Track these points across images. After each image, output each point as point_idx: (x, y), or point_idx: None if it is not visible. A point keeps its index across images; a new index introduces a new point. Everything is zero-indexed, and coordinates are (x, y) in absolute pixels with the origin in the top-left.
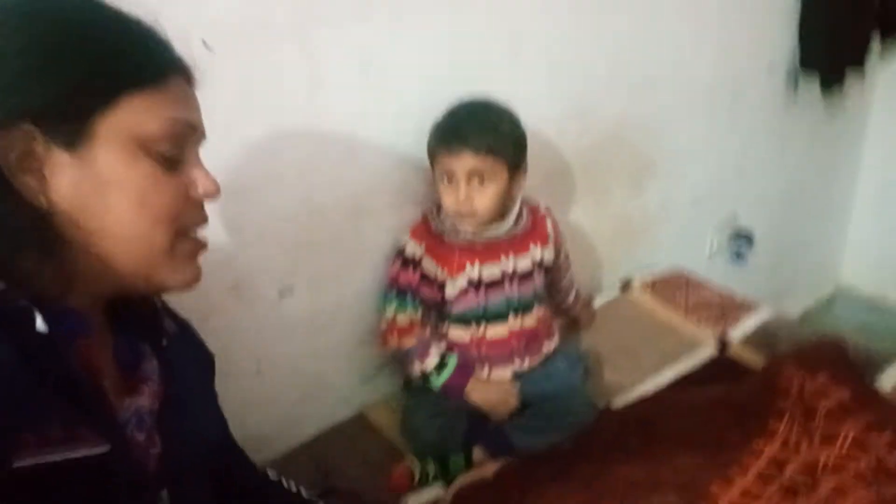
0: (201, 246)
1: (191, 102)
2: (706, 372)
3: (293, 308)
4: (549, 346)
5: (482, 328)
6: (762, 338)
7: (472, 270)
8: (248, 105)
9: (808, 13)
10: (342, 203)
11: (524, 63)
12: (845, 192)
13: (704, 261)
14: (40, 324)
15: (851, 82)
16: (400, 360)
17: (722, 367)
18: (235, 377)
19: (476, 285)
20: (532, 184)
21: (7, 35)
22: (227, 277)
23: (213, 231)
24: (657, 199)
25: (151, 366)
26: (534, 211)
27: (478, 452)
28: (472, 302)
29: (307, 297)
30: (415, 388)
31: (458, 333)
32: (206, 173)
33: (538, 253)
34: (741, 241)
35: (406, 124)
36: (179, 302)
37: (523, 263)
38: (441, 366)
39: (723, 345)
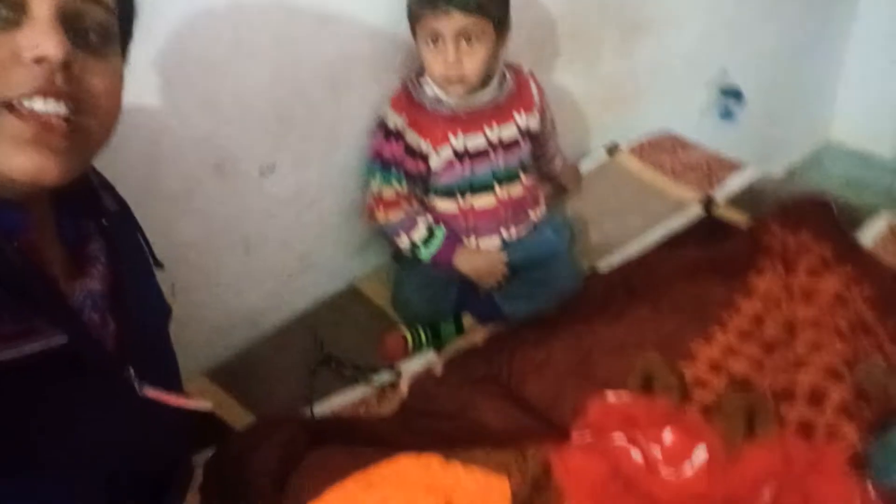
0: (42, 125)
1: None
2: (692, 233)
3: (278, 185)
4: (536, 214)
5: (468, 199)
6: (748, 197)
7: (457, 141)
8: None
9: None
10: (319, 75)
11: None
12: (838, 48)
13: (695, 122)
14: None
15: None
16: (388, 234)
17: (708, 227)
18: (225, 255)
19: (461, 157)
20: (515, 46)
21: None
22: (209, 156)
23: (189, 107)
24: (646, 60)
25: (98, 246)
26: (517, 73)
27: (468, 320)
28: (458, 173)
29: (291, 173)
30: (404, 261)
31: (444, 205)
32: (50, 31)
33: (523, 120)
34: (730, 98)
35: None
36: (161, 182)
37: (508, 132)
38: (429, 238)
39: (709, 205)
